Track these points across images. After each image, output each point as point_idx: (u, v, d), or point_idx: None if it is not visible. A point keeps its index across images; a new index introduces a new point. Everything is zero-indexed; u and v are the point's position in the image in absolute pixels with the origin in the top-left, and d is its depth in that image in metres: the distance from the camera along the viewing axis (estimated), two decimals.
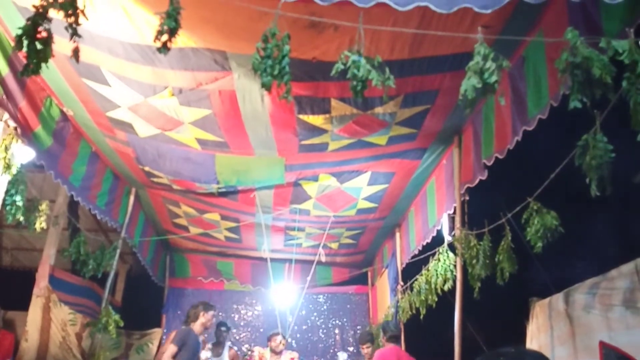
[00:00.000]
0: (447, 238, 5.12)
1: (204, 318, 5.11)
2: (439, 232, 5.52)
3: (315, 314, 9.24)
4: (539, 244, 3.79)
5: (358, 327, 8.87)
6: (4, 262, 9.14)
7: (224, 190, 6.47)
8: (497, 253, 4.26)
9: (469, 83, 2.41)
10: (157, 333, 8.45)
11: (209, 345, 6.50)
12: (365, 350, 4.93)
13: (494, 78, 2.37)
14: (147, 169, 6.04)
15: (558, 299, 3.95)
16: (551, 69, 3.09)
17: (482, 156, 4.23)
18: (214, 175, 6.03)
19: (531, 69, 3.42)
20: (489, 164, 4.15)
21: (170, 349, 4.91)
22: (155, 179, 6.37)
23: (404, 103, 4.23)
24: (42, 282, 6.89)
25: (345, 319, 9.21)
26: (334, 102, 4.25)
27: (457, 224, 4.70)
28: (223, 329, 6.41)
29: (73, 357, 7.03)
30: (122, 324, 6.55)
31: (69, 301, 7.21)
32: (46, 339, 6.86)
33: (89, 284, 7.66)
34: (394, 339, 5.37)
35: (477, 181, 4.41)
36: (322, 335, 9.13)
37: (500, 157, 3.96)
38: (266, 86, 2.50)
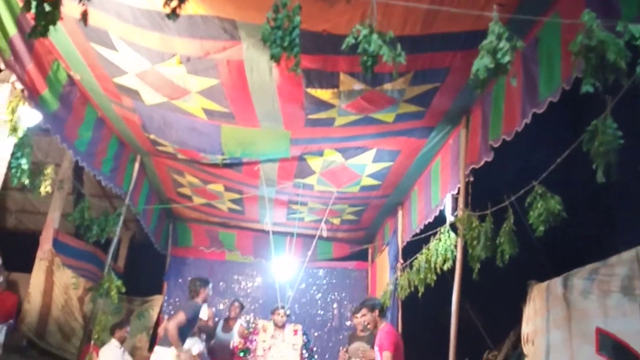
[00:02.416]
0: (449, 218, 5.13)
1: (203, 293, 5.18)
2: (441, 212, 5.53)
3: (314, 287, 9.34)
4: (541, 228, 3.79)
5: (356, 303, 8.97)
6: (9, 224, 9.25)
7: (228, 161, 6.47)
8: (499, 235, 4.27)
9: (482, 63, 2.38)
10: (158, 300, 8.58)
11: (221, 322, 6.54)
12: (360, 318, 4.86)
13: (507, 58, 2.34)
14: (152, 137, 6.03)
15: (556, 283, 3.97)
16: (565, 51, 3.04)
17: (489, 137, 4.20)
18: (219, 146, 6.02)
19: (545, 50, 3.36)
20: (496, 145, 4.13)
21: (179, 317, 4.96)
22: (160, 148, 6.37)
23: (413, 80, 4.19)
24: (45, 245, 6.98)
25: (344, 294, 9.30)
26: (342, 77, 4.21)
27: (460, 204, 4.70)
28: (236, 303, 6.50)
29: (75, 321, 7.16)
30: (123, 289, 6.64)
31: (72, 265, 7.31)
32: (48, 302, 6.98)
33: (92, 249, 7.76)
34: (384, 314, 5.37)
35: (482, 162, 4.40)
36: (321, 309, 9.24)
37: (508, 139, 3.93)
38: (275, 58, 2.47)
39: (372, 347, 4.89)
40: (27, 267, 7.00)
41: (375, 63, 2.43)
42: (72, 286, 7.12)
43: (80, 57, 4.54)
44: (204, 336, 5.67)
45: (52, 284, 6.99)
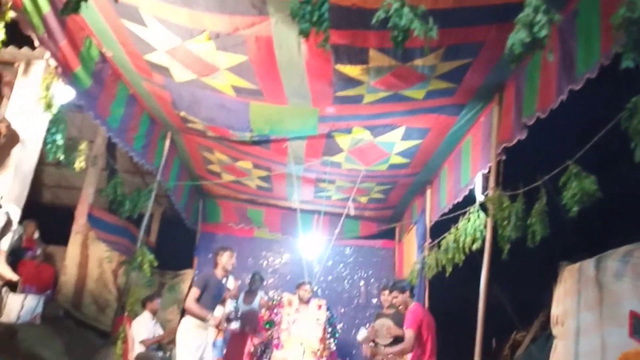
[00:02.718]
0: (480, 198, 5.06)
1: (220, 260, 5.11)
2: (471, 192, 5.45)
3: (341, 265, 9.39)
4: (575, 209, 3.71)
5: (383, 281, 8.98)
6: (45, 198, 9.54)
7: (257, 139, 6.50)
8: (530, 216, 4.19)
9: (517, 37, 2.30)
10: (188, 274, 8.78)
11: (242, 294, 6.65)
12: (394, 299, 4.87)
13: (544, 32, 2.26)
14: (182, 114, 6.09)
15: (589, 264, 3.89)
16: (605, 24, 2.91)
17: (523, 115, 4.09)
18: (248, 124, 6.05)
19: (583, 24, 3.23)
20: (530, 123, 4.02)
21: (193, 292, 4.98)
22: (190, 125, 6.44)
23: (445, 56, 4.09)
24: (81, 220, 7.20)
25: (370, 272, 9.33)
26: (372, 53, 4.14)
27: (491, 184, 4.62)
28: (257, 277, 6.57)
29: (109, 293, 7.40)
30: (156, 263, 6.82)
31: (106, 239, 7.53)
32: (84, 274, 7.22)
33: (125, 224, 7.95)
34: (412, 294, 5.39)
35: (515, 141, 4.30)
36: (347, 286, 9.30)
37: (542, 116, 3.82)
38: (304, 33, 2.45)
39: (399, 325, 4.91)
40: (63, 241, 7.24)
41: (406, 38, 2.38)
42: (106, 259, 7.34)
43: (111, 33, 4.59)
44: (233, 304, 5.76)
45: (87, 257, 7.22)
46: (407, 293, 4.87)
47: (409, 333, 4.51)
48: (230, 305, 5.56)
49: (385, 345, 5.01)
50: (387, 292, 4.92)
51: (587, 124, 3.83)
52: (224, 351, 6.07)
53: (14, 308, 5.82)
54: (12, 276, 3.74)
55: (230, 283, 5.71)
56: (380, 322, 5.34)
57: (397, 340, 4.91)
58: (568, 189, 3.71)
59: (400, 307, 4.79)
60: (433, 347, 4.58)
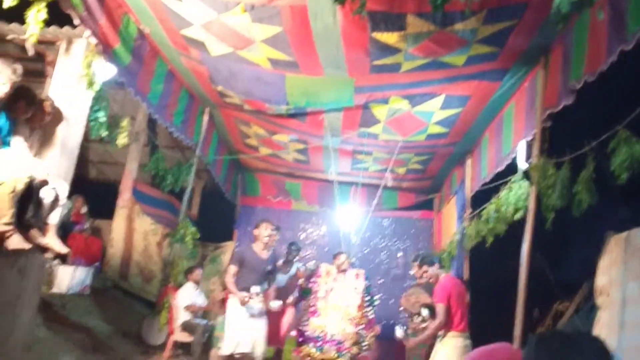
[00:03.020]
0: (523, 166, 4.92)
1: (257, 233, 5.14)
2: (513, 160, 5.30)
3: (379, 236, 9.39)
4: (624, 176, 3.57)
5: (421, 252, 8.94)
6: (91, 174, 9.88)
7: (293, 111, 6.48)
8: (576, 183, 4.05)
9: None
10: (229, 246, 8.99)
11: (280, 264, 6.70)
12: (424, 273, 4.89)
13: None
14: (219, 88, 6.13)
15: (637, 233, 3.75)
16: None
17: (570, 79, 3.91)
18: (284, 96, 6.03)
19: None
20: (577, 87, 3.84)
21: (230, 269, 5.08)
22: (227, 99, 6.48)
23: (487, 18, 3.93)
24: (126, 194, 7.43)
25: (408, 243, 9.30)
26: (410, 18, 4.02)
27: (535, 151, 4.48)
28: (293, 247, 6.62)
29: (154, 264, 7.67)
30: (198, 236, 7.00)
31: (150, 213, 7.77)
32: (130, 247, 7.50)
33: (168, 198, 8.17)
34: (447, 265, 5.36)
35: (561, 106, 4.12)
36: (385, 258, 9.31)
37: (591, 79, 3.64)
38: (340, 0, 2.39)
39: (430, 295, 4.91)
40: (109, 215, 7.51)
41: (445, 1, 2.29)
42: (151, 232, 7.59)
43: (148, 9, 4.62)
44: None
45: (132, 230, 7.48)
46: (437, 265, 4.85)
47: (439, 308, 4.51)
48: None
49: (417, 315, 5.03)
50: (416, 265, 4.94)
51: (638, 86, 3.64)
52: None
53: (65, 280, 6.12)
54: (62, 249, 3.89)
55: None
56: (411, 290, 5.35)
57: (429, 308, 4.91)
58: (617, 155, 3.56)
59: (432, 280, 4.80)
60: (463, 315, 4.59)
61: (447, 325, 4.47)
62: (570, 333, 1.16)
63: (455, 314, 4.52)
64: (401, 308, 5.51)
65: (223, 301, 5.53)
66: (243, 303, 4.92)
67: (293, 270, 6.33)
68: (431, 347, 4.64)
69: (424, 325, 4.87)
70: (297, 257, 6.62)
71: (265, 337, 4.96)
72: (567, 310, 6.18)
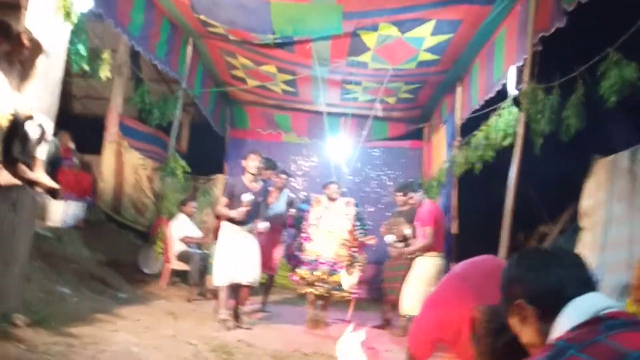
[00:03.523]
0: (513, 92, 4.89)
1: (245, 165, 5.12)
2: (504, 86, 5.27)
3: (369, 166, 9.46)
4: (613, 99, 3.58)
5: (402, 181, 9.04)
6: (76, 109, 9.70)
7: (279, 41, 6.31)
8: (565, 108, 4.06)
9: None
10: (219, 178, 9.02)
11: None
12: (409, 200, 5.04)
13: None
14: (202, 17, 5.91)
15: (623, 156, 3.83)
16: None
17: (563, 0, 3.81)
18: (270, 25, 5.84)
19: None
20: (570, 9, 3.76)
21: (221, 201, 5.14)
22: (211, 29, 6.27)
23: None
24: (112, 129, 7.35)
25: (399, 172, 9.39)
26: None
27: (526, 77, 4.45)
28: (283, 176, 6.59)
29: (146, 197, 7.73)
30: (188, 169, 7.01)
31: (139, 147, 7.72)
32: (120, 181, 7.51)
33: (156, 132, 8.09)
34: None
35: (553, 29, 4.05)
36: (375, 187, 9.44)
37: (584, 1, 3.55)
38: None
39: (411, 222, 5.08)
40: (97, 150, 7.45)
41: None
42: (141, 167, 7.58)
43: None
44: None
45: (122, 165, 7.46)
46: (421, 192, 5.07)
47: (428, 230, 4.75)
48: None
49: (398, 242, 5.20)
50: (400, 194, 5.14)
51: (631, 8, 3.56)
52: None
53: (58, 214, 6.17)
54: (51, 183, 3.89)
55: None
56: (392, 220, 5.49)
57: (406, 239, 5.11)
58: (607, 78, 3.55)
59: (416, 206, 5.03)
60: (441, 238, 4.99)
61: (428, 246, 4.73)
62: (550, 248, 1.21)
63: (438, 236, 4.78)
64: (389, 239, 5.65)
65: (216, 231, 5.63)
66: (242, 214, 4.92)
67: (283, 197, 6.38)
68: (408, 269, 4.89)
69: (405, 246, 5.10)
70: (286, 184, 6.60)
71: (259, 264, 5.08)
72: (552, 232, 6.39)
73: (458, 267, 1.85)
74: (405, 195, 5.09)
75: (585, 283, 1.10)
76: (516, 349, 1.17)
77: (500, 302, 1.20)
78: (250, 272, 4.94)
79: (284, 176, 6.43)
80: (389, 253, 5.55)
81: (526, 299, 1.11)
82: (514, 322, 1.15)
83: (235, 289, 4.99)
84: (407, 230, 5.09)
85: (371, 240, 5.53)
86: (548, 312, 1.07)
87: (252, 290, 5.21)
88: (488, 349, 1.36)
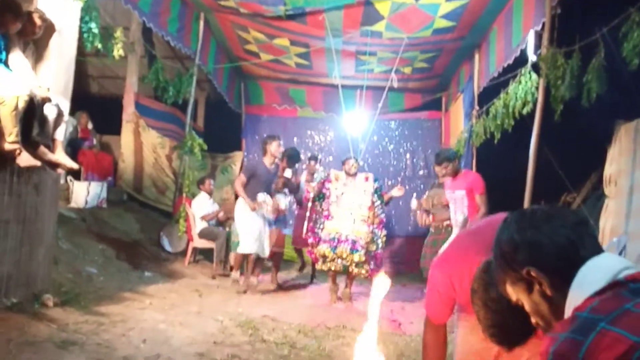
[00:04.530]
0: (532, 58, 4.76)
1: (269, 149, 5.46)
2: (522, 52, 5.12)
3: (386, 139, 9.37)
4: (635, 61, 3.46)
5: (429, 152, 8.94)
6: (92, 89, 9.77)
7: (291, 12, 6.21)
8: (586, 73, 3.94)
9: None
10: (238, 156, 9.08)
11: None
12: (445, 169, 4.89)
13: None
14: None
15: None
16: None
17: None
18: None
19: None
20: None
21: (240, 178, 5.48)
22: (222, 2, 6.21)
23: None
24: (129, 109, 7.39)
25: (416, 144, 9.29)
26: None
27: (545, 41, 4.32)
28: (312, 162, 6.72)
29: (166, 176, 7.81)
30: (205, 147, 7.04)
31: (156, 126, 7.76)
32: (140, 160, 7.59)
33: (172, 110, 8.12)
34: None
35: None
36: (393, 160, 9.35)
37: None
38: None
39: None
40: (116, 130, 7.52)
41: None
42: (159, 145, 7.63)
43: None
44: (286, 190, 5.96)
45: (140, 144, 7.52)
46: (456, 161, 4.88)
47: (482, 198, 4.59)
48: (281, 197, 5.83)
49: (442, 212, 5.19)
50: (443, 165, 4.92)
51: None
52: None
53: (81, 195, 6.28)
54: (72, 164, 3.94)
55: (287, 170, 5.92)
56: (432, 192, 5.44)
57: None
58: (629, 40, 3.43)
59: (451, 174, 4.86)
60: None
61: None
62: (546, 207, 1.09)
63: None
64: (414, 205, 5.63)
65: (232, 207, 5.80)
66: (253, 209, 5.28)
67: (317, 179, 6.48)
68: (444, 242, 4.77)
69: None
70: (319, 167, 6.81)
71: (268, 239, 5.43)
72: (575, 200, 6.28)
73: (472, 225, 1.79)
74: (440, 165, 4.92)
75: (595, 242, 0.99)
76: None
77: (496, 270, 1.08)
78: (265, 246, 5.40)
79: (313, 162, 6.63)
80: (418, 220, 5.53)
81: (536, 266, 0.97)
82: (516, 291, 1.04)
83: (250, 260, 5.41)
84: (461, 217, 4.95)
85: (400, 191, 5.49)
86: (561, 278, 0.95)
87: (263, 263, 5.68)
88: (484, 301, 1.23)
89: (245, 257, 5.46)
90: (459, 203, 4.73)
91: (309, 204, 5.60)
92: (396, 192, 5.49)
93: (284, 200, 5.87)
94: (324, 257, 5.20)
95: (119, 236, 6.11)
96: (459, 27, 6.25)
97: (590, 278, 0.92)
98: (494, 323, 1.15)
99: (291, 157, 6.06)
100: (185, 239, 6.60)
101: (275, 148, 5.47)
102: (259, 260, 5.48)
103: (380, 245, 5.34)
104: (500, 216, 1.64)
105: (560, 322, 0.92)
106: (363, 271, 5.17)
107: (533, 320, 1.05)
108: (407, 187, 8.83)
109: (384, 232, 5.45)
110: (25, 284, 3.41)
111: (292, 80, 9.08)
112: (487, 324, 1.17)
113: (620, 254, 3.57)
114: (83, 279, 4.42)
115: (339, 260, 5.13)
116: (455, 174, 4.82)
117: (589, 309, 0.87)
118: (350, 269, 5.16)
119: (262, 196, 5.32)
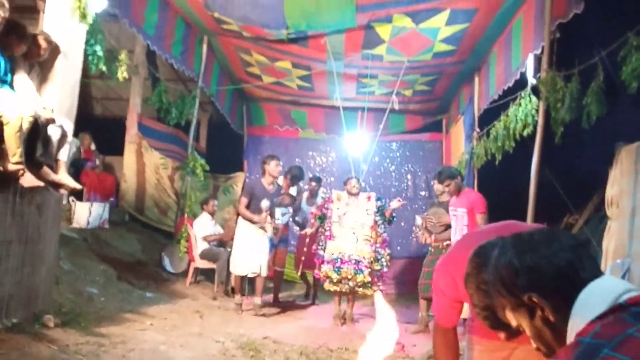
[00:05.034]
0: (531, 81, 4.81)
1: (267, 168, 5.47)
2: (522, 75, 5.17)
3: (388, 160, 9.40)
4: (634, 85, 3.50)
5: (430, 173, 8.97)
6: (96, 111, 9.85)
7: (293, 36, 6.30)
8: (586, 95, 3.98)
9: None
10: (240, 176, 9.09)
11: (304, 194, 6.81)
12: (447, 187, 4.87)
13: None
14: (216, 15, 5.94)
15: None
16: None
17: None
18: (283, 20, 5.84)
19: None
20: None
21: (242, 202, 5.49)
22: (225, 26, 6.30)
23: None
24: (132, 130, 7.45)
25: (417, 165, 9.32)
26: None
27: (544, 65, 4.37)
28: (314, 184, 6.74)
29: (168, 197, 7.82)
30: (207, 167, 7.07)
31: (158, 147, 7.81)
32: (142, 181, 7.61)
33: (175, 131, 8.18)
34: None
35: (571, 15, 3.97)
36: (395, 181, 9.37)
37: None
38: None
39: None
40: (118, 151, 7.57)
41: None
42: (162, 166, 7.67)
43: None
44: (290, 209, 5.96)
45: (143, 165, 7.56)
46: (459, 178, 4.88)
47: (482, 217, 4.59)
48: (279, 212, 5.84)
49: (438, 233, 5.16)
50: (445, 183, 4.89)
51: None
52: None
53: (83, 215, 6.28)
54: (75, 185, 3.97)
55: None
56: (432, 210, 5.42)
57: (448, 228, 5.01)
58: (627, 64, 3.47)
59: (453, 193, 4.85)
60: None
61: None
62: (543, 230, 1.07)
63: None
64: (417, 229, 5.64)
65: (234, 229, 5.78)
66: (264, 221, 5.33)
67: (319, 200, 6.50)
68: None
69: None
70: (320, 189, 6.83)
71: (267, 258, 5.40)
72: (577, 222, 6.26)
73: (482, 229, 1.76)
74: (441, 182, 4.92)
75: (595, 264, 0.97)
76: None
77: (494, 295, 1.04)
78: (256, 265, 5.33)
79: (314, 184, 6.65)
80: (421, 239, 5.52)
81: (537, 292, 0.95)
82: (517, 317, 1.01)
83: (250, 279, 5.44)
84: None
85: (399, 203, 5.51)
86: (562, 302, 0.94)
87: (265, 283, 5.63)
88: (477, 284, 1.15)
89: (243, 278, 5.47)
90: (460, 221, 4.74)
91: (314, 222, 5.62)
92: (395, 203, 5.51)
93: (283, 218, 5.80)
94: (328, 277, 5.18)
95: (120, 257, 6.10)
96: (459, 50, 6.33)
97: (592, 301, 0.91)
98: (486, 305, 1.13)
99: (295, 176, 6.10)
100: (186, 259, 6.58)
101: (273, 167, 5.46)
102: (259, 278, 5.42)
103: (385, 264, 5.32)
104: (505, 223, 1.63)
105: (563, 348, 0.91)
106: (369, 292, 5.14)
107: (534, 345, 1.03)
108: (408, 208, 8.87)
109: (388, 250, 5.44)
110: (26, 304, 3.40)
111: (293, 102, 9.15)
112: (480, 306, 1.14)
113: (624, 275, 3.56)
114: (84, 300, 4.40)
115: (345, 281, 5.11)
116: (458, 191, 4.83)
117: (592, 334, 0.85)
118: (354, 290, 5.14)
119: (265, 202, 5.32)
